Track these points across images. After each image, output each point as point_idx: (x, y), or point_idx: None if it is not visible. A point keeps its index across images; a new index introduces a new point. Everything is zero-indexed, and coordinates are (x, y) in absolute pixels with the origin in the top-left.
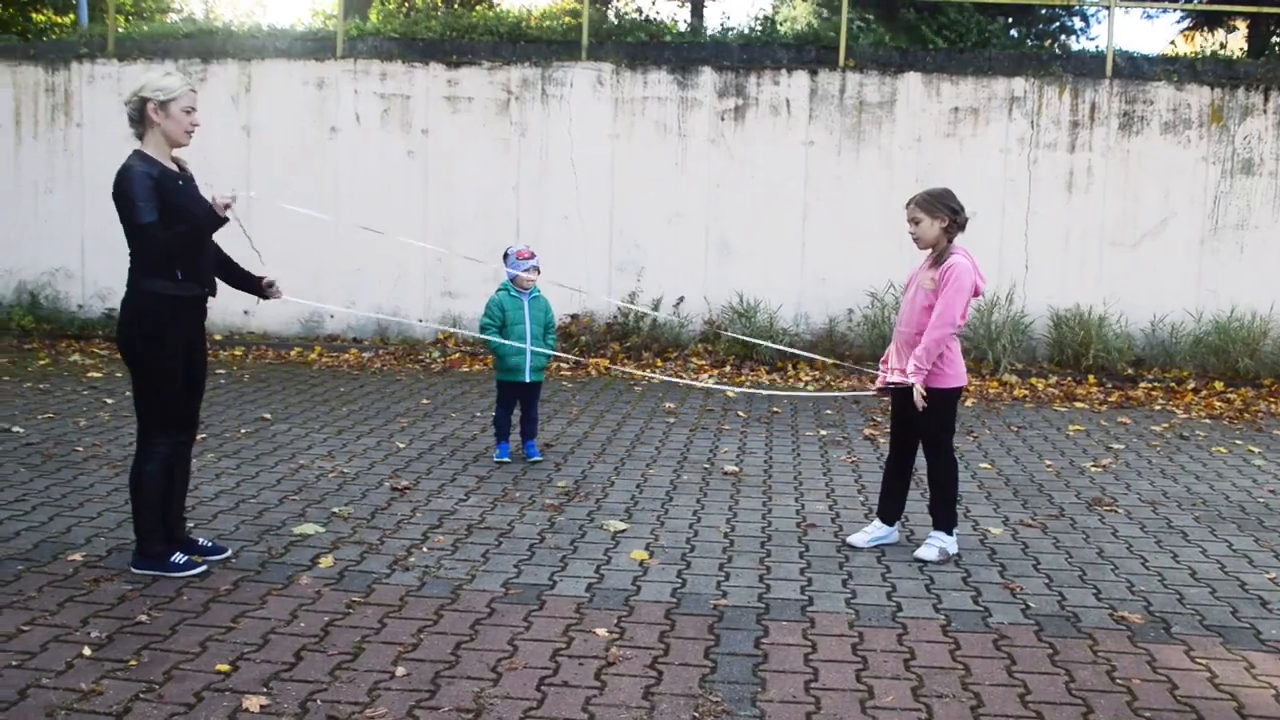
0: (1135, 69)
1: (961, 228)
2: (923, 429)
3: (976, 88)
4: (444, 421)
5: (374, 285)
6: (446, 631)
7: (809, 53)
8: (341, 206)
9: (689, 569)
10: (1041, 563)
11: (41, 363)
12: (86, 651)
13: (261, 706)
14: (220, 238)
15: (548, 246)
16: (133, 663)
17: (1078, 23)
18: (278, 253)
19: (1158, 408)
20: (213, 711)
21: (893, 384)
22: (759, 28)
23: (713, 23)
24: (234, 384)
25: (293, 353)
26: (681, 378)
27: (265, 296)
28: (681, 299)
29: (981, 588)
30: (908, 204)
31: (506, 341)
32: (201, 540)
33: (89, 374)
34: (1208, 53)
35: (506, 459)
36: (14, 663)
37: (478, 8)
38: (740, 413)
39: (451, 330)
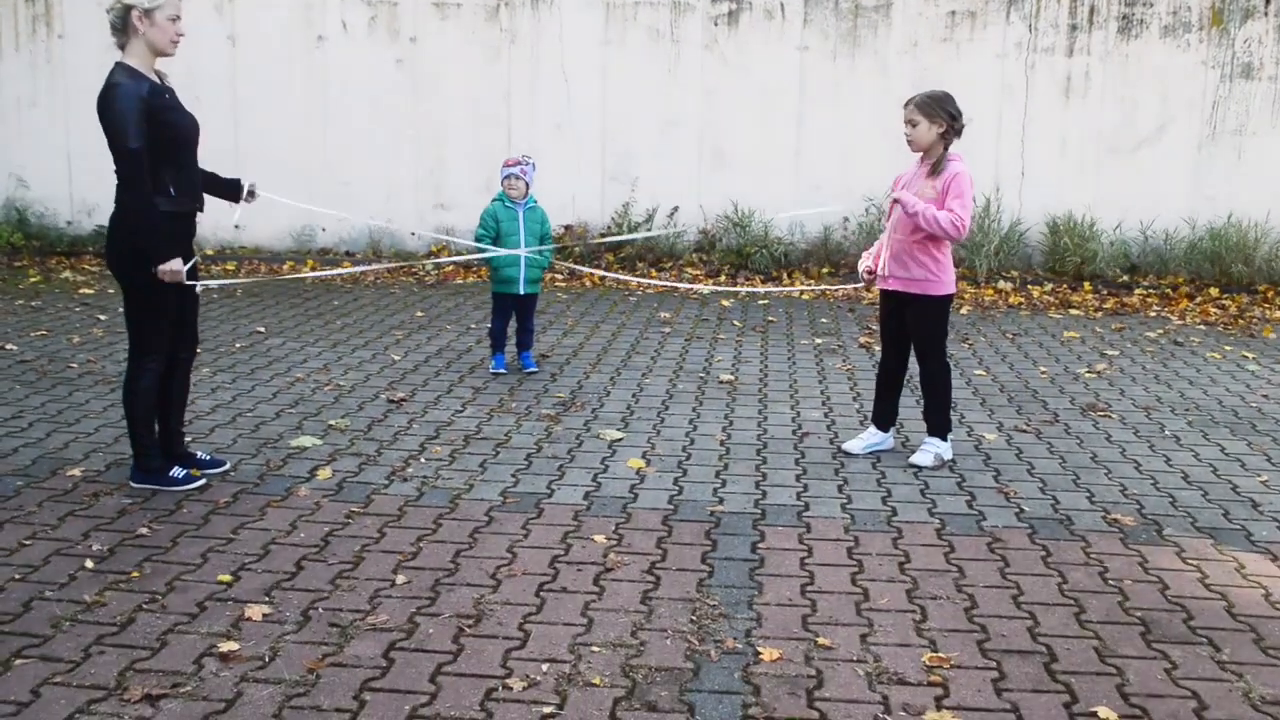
0: None
1: (958, 134)
2: (916, 336)
3: None
4: (439, 334)
5: (365, 198)
6: (445, 540)
7: None
8: (330, 117)
9: (686, 477)
10: (1035, 467)
11: (32, 280)
12: (88, 564)
13: (264, 615)
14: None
15: (540, 156)
16: (134, 575)
17: None
18: (267, 167)
19: (1152, 314)
20: (216, 620)
21: (889, 290)
22: None
23: None
24: (227, 298)
25: (285, 266)
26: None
27: (247, 200)
28: (676, 209)
29: (976, 492)
30: (906, 104)
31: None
32: (200, 454)
33: (80, 290)
34: None
35: (502, 370)
36: (16, 576)
37: None
38: (735, 322)
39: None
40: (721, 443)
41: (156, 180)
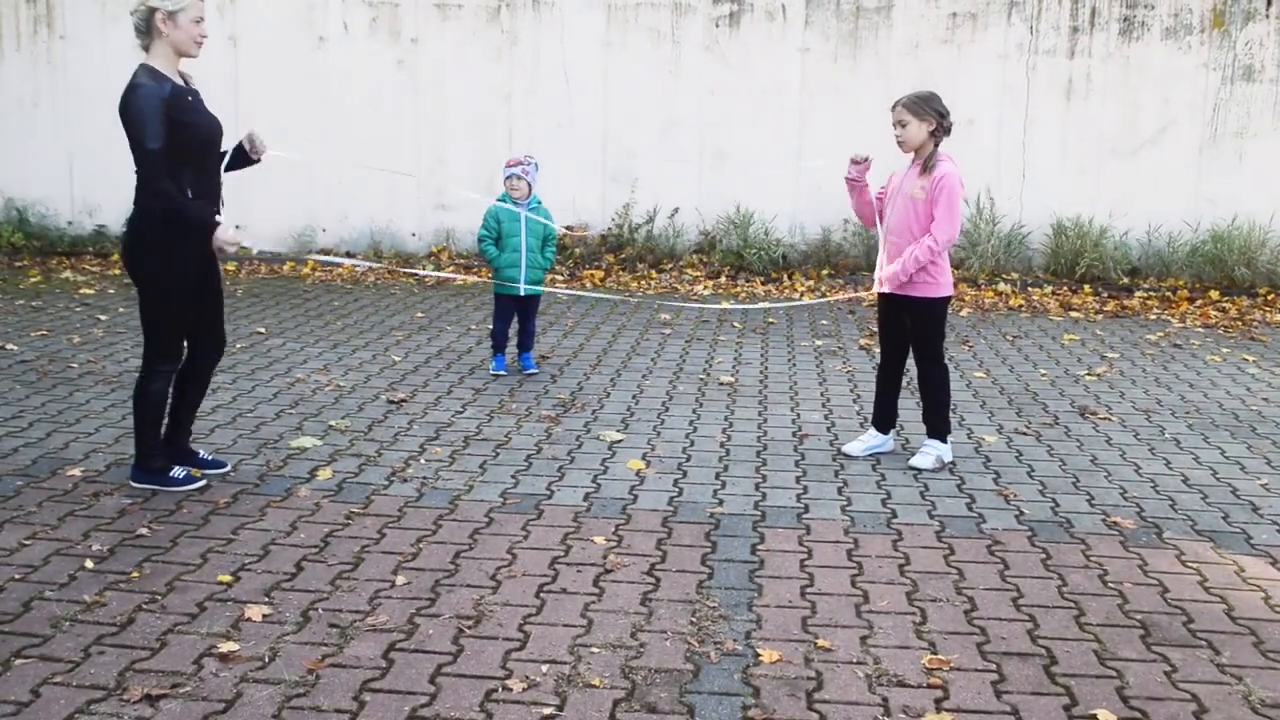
0: None
1: (947, 132)
2: (914, 339)
3: None
4: (440, 334)
5: (367, 198)
6: (445, 541)
7: None
8: (330, 118)
9: (685, 478)
10: (1035, 470)
11: (33, 280)
12: (88, 564)
13: (264, 615)
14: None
15: (541, 157)
16: (135, 575)
17: None
18: (267, 167)
19: (1153, 317)
20: (215, 621)
21: (887, 294)
22: None
23: None
24: (227, 299)
25: (285, 267)
26: (677, 290)
27: (255, 158)
28: (676, 210)
29: (976, 494)
30: (894, 105)
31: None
32: (202, 453)
33: (81, 290)
34: None
35: (503, 371)
36: (16, 576)
37: None
38: (736, 324)
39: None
40: (721, 444)
41: (176, 184)
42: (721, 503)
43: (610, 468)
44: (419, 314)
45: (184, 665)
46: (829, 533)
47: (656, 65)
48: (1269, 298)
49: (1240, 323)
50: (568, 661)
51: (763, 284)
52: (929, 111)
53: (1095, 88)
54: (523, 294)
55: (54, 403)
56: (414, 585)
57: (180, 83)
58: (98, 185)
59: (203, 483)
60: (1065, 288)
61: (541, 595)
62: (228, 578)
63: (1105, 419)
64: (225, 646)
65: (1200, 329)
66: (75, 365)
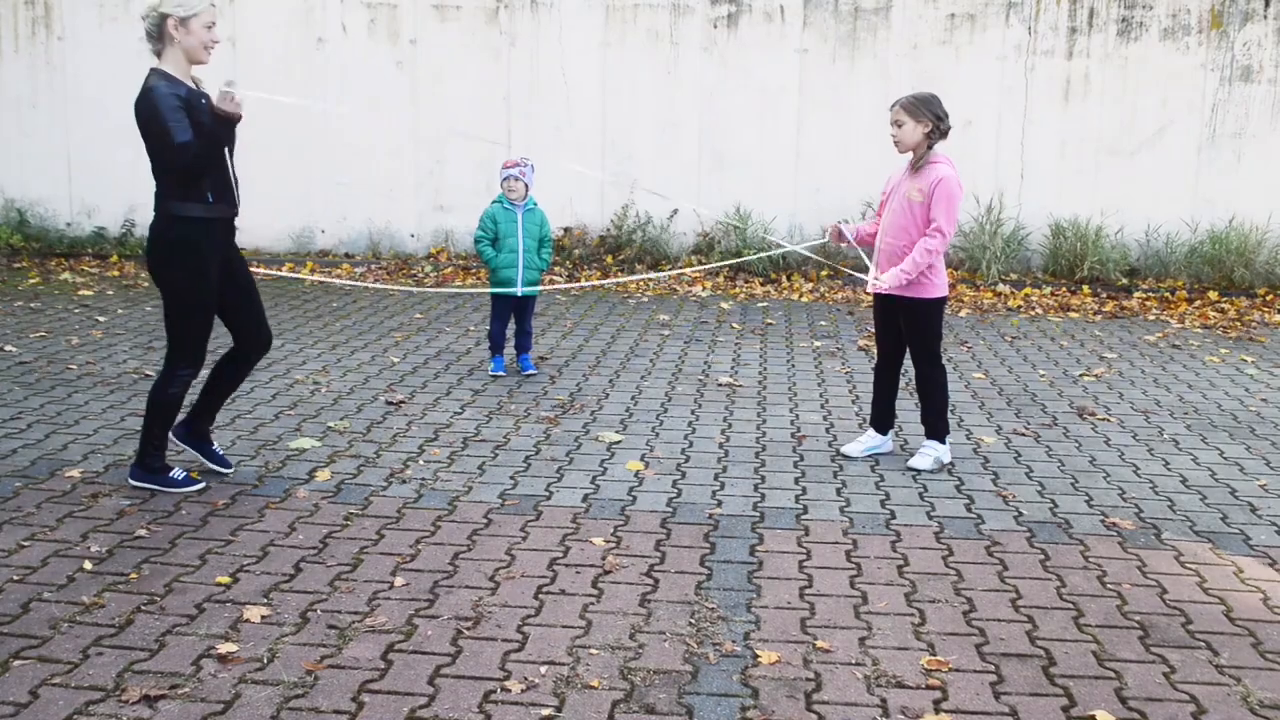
0: None
1: (944, 135)
2: (910, 339)
3: None
4: (438, 336)
5: (365, 199)
6: (444, 542)
7: None
8: (329, 119)
9: (684, 479)
10: (1034, 470)
11: (31, 281)
12: (87, 566)
13: (262, 617)
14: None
15: (539, 158)
16: (133, 576)
17: None
18: (268, 167)
19: (1151, 318)
20: (214, 622)
21: (879, 293)
22: None
23: None
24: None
25: (284, 268)
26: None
27: (226, 102)
28: (675, 211)
29: (974, 495)
30: (892, 106)
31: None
32: (216, 445)
33: (80, 292)
34: None
35: (501, 372)
36: (15, 577)
37: None
38: (734, 324)
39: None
40: (720, 445)
41: (194, 188)
42: (720, 504)
43: (609, 469)
44: (417, 315)
45: (183, 666)
46: (828, 534)
47: (655, 66)
48: (1267, 298)
49: (1239, 323)
50: (566, 663)
51: (761, 285)
52: (926, 113)
53: (1093, 89)
54: (520, 294)
55: (52, 404)
56: (413, 586)
57: (193, 87)
58: (96, 186)
59: (201, 485)
60: (1064, 288)
61: (540, 596)
62: (226, 579)
63: (1104, 420)
64: (224, 647)
65: (1199, 329)
66: (74, 366)
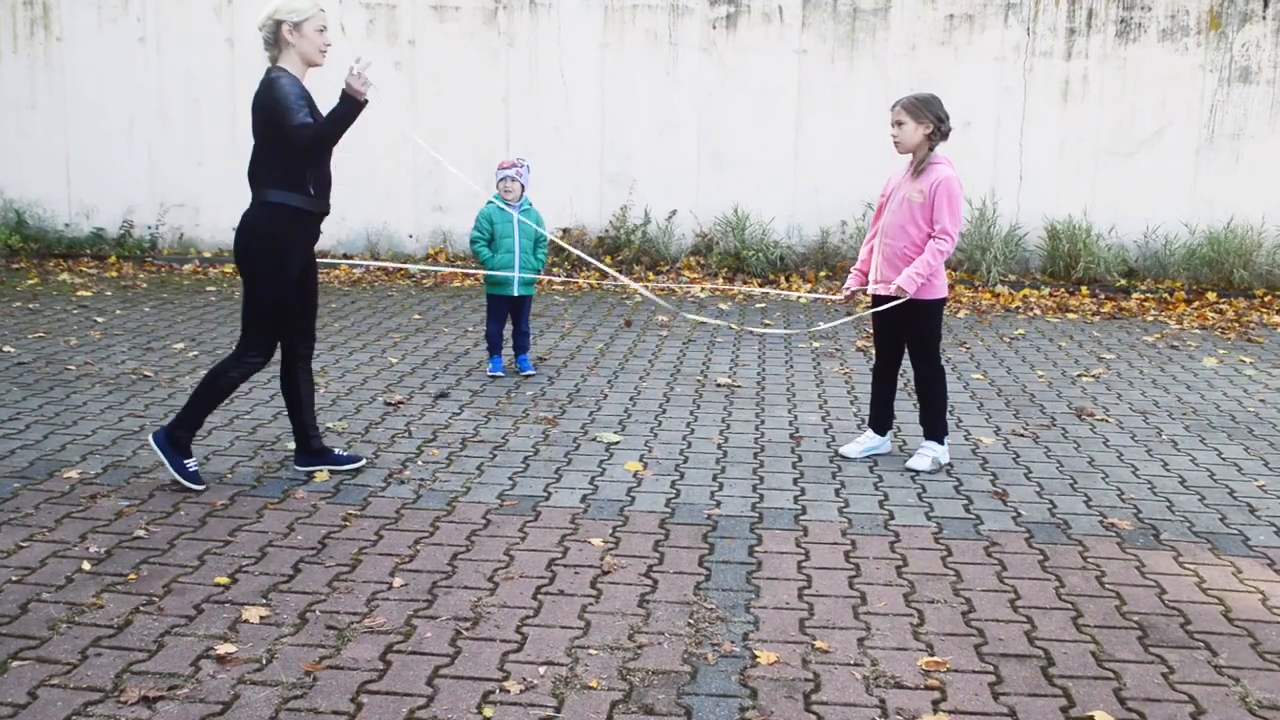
0: None
1: (945, 136)
2: (909, 340)
3: None
4: (436, 336)
5: (364, 199)
6: (443, 543)
7: None
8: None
9: (683, 480)
10: (1032, 471)
11: (30, 282)
12: (86, 566)
13: (261, 617)
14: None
15: (538, 159)
16: (132, 577)
17: None
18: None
19: (1150, 319)
20: (213, 623)
21: (881, 296)
22: None
23: None
24: (224, 301)
25: None
26: (673, 293)
27: (358, 92)
28: (674, 212)
29: (973, 496)
30: (893, 106)
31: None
32: (337, 450)
33: (78, 293)
34: None
35: (500, 373)
36: (14, 578)
37: None
38: (733, 325)
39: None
40: (719, 446)
41: (298, 179)
42: (719, 504)
43: (607, 469)
44: (416, 316)
45: (181, 667)
46: (826, 534)
47: (653, 67)
48: (1266, 299)
49: (1237, 324)
50: (565, 663)
51: (760, 285)
52: (927, 114)
53: (1092, 89)
54: (516, 294)
55: (51, 405)
56: (411, 587)
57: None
58: (95, 187)
59: (203, 487)
60: (1062, 289)
61: (539, 597)
62: (225, 579)
63: (1102, 420)
64: (223, 648)
65: (1197, 330)
66: (72, 367)
